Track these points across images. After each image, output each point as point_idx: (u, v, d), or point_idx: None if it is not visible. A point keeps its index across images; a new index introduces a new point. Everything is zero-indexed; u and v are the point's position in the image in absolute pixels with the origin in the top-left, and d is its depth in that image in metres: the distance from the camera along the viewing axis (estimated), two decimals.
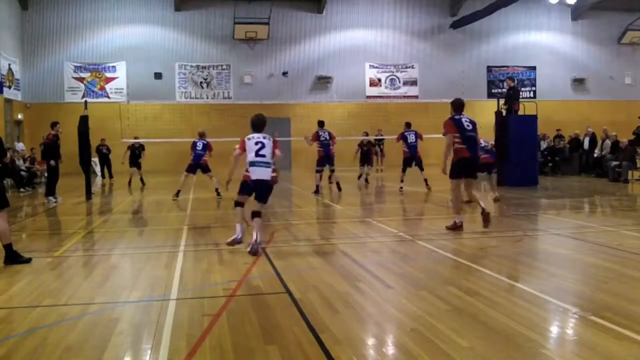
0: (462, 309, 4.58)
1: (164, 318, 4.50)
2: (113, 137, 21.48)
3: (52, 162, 13.53)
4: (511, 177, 15.49)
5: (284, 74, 27.47)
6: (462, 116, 8.59)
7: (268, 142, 7.22)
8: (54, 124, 13.74)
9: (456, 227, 8.48)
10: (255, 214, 7.06)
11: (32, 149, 20.38)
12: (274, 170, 7.24)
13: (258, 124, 7.39)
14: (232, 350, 3.81)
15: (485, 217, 8.37)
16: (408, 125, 15.39)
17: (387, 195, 14.94)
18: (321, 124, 14.82)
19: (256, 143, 7.18)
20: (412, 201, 12.69)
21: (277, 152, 7.34)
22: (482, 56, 29.59)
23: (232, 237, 7.25)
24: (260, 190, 7.17)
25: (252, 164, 7.12)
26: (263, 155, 7.13)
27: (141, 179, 18.60)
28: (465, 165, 8.45)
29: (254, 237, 6.90)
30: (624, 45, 30.52)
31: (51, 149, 13.61)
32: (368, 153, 19.25)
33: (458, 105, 8.67)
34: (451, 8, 29.08)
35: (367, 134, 20.34)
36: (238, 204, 7.34)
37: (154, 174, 23.07)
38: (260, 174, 7.12)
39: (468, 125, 8.49)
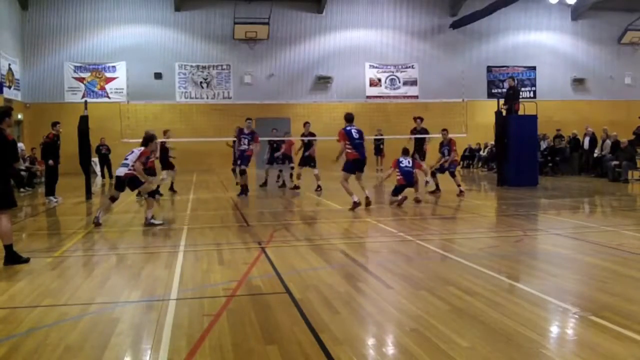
0: (462, 309, 4.58)
1: (164, 318, 4.50)
2: (113, 137, 21.46)
3: (51, 162, 13.54)
4: (511, 177, 15.50)
5: None
6: (352, 127, 11.36)
7: (135, 152, 9.85)
8: (54, 124, 13.77)
9: (356, 205, 11.07)
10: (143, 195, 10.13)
11: (33, 149, 20.34)
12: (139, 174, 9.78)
13: (144, 138, 10.26)
14: (232, 350, 3.81)
15: (367, 202, 11.39)
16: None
17: (386, 195, 14.92)
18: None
19: (130, 151, 9.98)
20: (412, 201, 12.67)
21: (138, 163, 9.70)
22: (482, 56, 29.58)
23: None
24: (117, 182, 9.99)
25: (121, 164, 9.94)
26: (126, 159, 9.86)
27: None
28: (357, 164, 11.36)
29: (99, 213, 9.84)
30: (624, 45, 30.51)
31: (51, 148, 13.63)
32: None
33: (349, 119, 11.49)
34: (451, 8, 29.07)
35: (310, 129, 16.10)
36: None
37: None
38: (119, 171, 9.89)
39: (356, 134, 11.33)
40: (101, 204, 10.34)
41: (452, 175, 13.94)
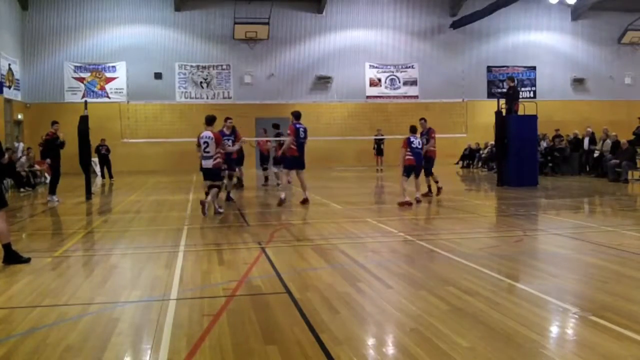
0: (462, 309, 4.58)
1: (164, 318, 4.50)
2: (113, 137, 21.47)
3: (48, 161, 13.65)
4: (511, 177, 15.49)
5: None
6: (300, 125, 11.85)
7: (210, 143, 10.50)
8: (53, 123, 13.85)
9: (281, 202, 11.76)
10: (211, 187, 10.68)
11: (29, 149, 20.18)
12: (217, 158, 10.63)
13: (208, 120, 10.86)
14: (232, 350, 3.81)
15: (304, 201, 11.90)
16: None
17: (387, 195, 14.93)
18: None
19: (204, 142, 10.57)
20: (412, 201, 12.68)
21: (219, 150, 10.62)
22: (482, 56, 29.59)
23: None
24: (208, 174, 10.70)
25: (202, 157, 10.71)
26: (207, 152, 10.56)
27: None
28: (295, 162, 11.89)
29: (208, 199, 10.52)
30: (624, 45, 30.52)
31: (51, 146, 13.69)
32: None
33: (298, 116, 12.04)
34: (451, 8, 29.08)
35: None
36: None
37: (155, 174, 23.10)
38: (206, 164, 10.64)
39: (302, 134, 11.82)
40: (211, 195, 10.64)
41: (429, 173, 13.16)
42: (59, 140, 13.73)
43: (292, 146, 11.85)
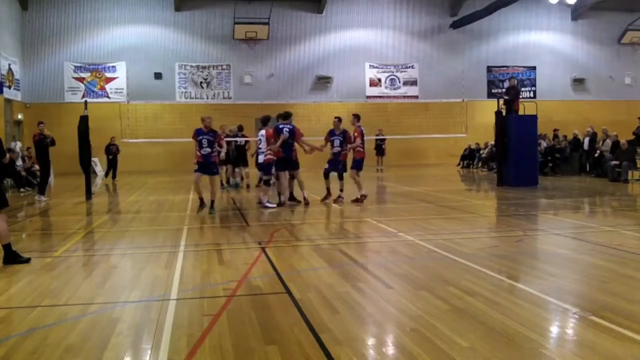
0: (462, 309, 4.58)
1: (164, 318, 4.50)
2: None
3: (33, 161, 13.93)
4: (511, 177, 15.49)
5: None
6: (284, 125, 11.56)
7: (262, 140, 11.58)
8: (39, 123, 14.23)
9: (280, 205, 11.61)
10: (262, 182, 11.99)
11: (28, 148, 20.15)
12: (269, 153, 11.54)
13: (264, 120, 12.01)
14: (232, 350, 3.81)
15: (306, 202, 11.84)
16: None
17: (387, 195, 14.93)
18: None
19: (258, 139, 11.87)
20: (412, 201, 12.69)
21: (271, 147, 11.44)
22: (482, 56, 29.58)
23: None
24: (260, 167, 12.06)
25: (257, 152, 12.37)
26: (259, 147, 11.77)
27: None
28: (284, 162, 11.60)
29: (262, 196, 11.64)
30: (624, 45, 30.51)
31: (37, 147, 13.94)
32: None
33: (286, 116, 11.76)
34: (451, 8, 29.08)
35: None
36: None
37: (155, 174, 23.09)
38: (259, 159, 11.82)
39: (286, 134, 11.44)
40: (262, 191, 11.79)
41: (341, 177, 12.15)
42: (47, 139, 13.87)
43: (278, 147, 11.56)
